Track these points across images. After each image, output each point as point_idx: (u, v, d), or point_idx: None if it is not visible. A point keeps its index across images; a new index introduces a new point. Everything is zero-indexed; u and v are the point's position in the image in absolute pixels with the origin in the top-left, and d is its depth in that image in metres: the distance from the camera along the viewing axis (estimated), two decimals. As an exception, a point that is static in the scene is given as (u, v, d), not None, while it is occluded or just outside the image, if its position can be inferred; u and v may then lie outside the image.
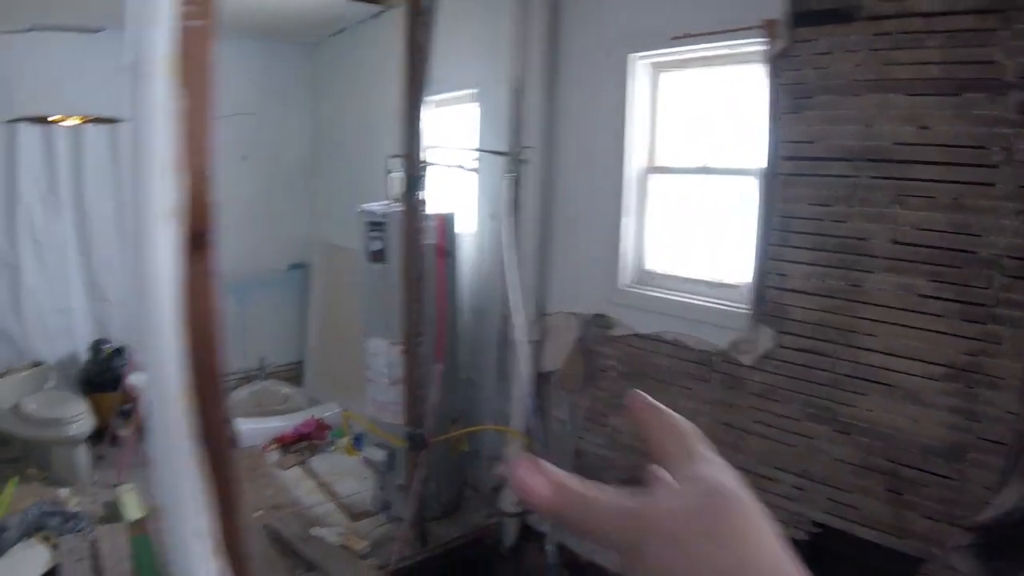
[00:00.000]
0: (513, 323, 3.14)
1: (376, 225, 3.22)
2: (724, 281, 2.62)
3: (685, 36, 2.52)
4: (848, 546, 2.33)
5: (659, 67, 2.79)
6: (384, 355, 3.24)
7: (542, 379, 3.21)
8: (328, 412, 4.60)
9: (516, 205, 3.09)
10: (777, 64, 2.29)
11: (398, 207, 3.08)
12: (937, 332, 2.04)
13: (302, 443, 4.31)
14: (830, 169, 2.21)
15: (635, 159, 2.82)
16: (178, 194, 0.95)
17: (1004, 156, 1.86)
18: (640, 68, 2.77)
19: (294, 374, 5.35)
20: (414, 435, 2.97)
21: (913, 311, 2.10)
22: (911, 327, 2.11)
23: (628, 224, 2.86)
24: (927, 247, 2.03)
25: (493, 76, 3.29)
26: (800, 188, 2.26)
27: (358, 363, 4.61)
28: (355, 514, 3.53)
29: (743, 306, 2.51)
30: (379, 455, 3.33)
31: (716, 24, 2.43)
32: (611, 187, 2.88)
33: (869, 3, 2.13)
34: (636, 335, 2.81)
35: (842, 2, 2.18)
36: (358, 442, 4.39)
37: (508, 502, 3.38)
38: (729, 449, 2.58)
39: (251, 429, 4.44)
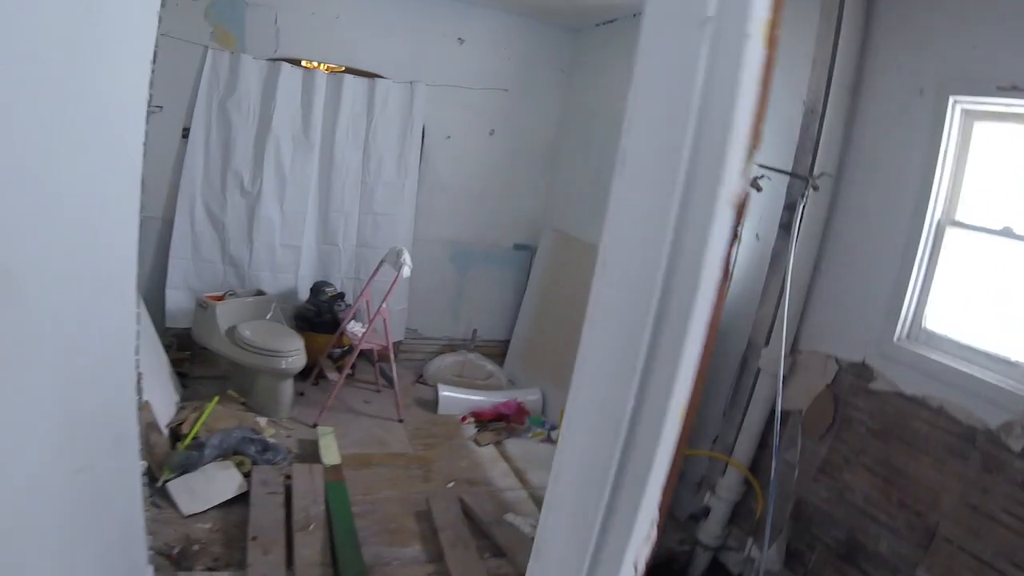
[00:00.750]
0: (764, 352, 3.38)
1: None
2: (1008, 357, 2.73)
3: (1013, 88, 2.63)
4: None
5: (973, 115, 2.89)
6: None
7: (782, 418, 3.26)
8: (530, 396, 5.03)
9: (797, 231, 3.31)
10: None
11: None
12: None
13: (500, 423, 4.73)
14: None
15: (935, 208, 2.95)
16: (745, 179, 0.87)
17: None
18: (956, 114, 2.90)
19: (499, 351, 5.89)
20: None
21: None
22: None
23: (915, 276, 2.97)
24: None
25: (782, 89, 3.49)
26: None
27: (565, 354, 4.94)
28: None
29: (1020, 386, 2.62)
30: None
31: None
32: (902, 232, 3.01)
33: None
34: (898, 394, 2.99)
35: None
36: (553, 432, 4.56)
37: (706, 532, 3.62)
38: (969, 535, 2.71)
39: (451, 397, 4.95)
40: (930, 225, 2.94)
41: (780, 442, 3.31)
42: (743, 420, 3.56)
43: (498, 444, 4.50)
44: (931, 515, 2.81)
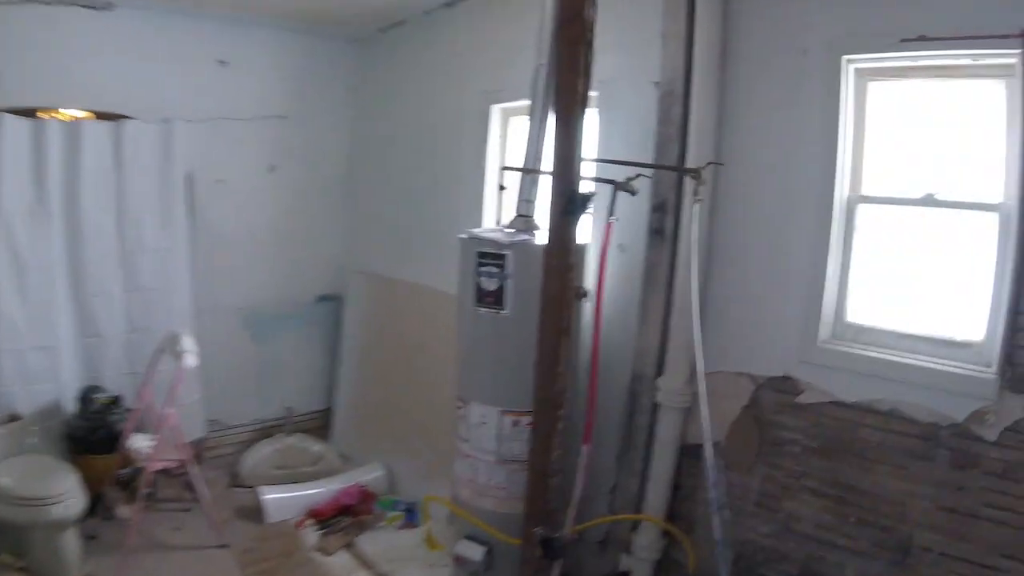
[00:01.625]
0: (661, 383, 2.99)
1: (491, 258, 2.83)
2: (953, 338, 2.49)
3: (921, 39, 2.37)
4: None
5: (866, 74, 2.63)
6: (492, 426, 2.89)
7: (687, 452, 3.02)
8: (371, 475, 4.30)
9: (672, 237, 2.92)
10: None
11: (522, 235, 2.84)
12: None
13: (344, 518, 3.92)
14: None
15: (840, 184, 2.64)
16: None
17: None
18: (850, 75, 2.62)
19: (322, 425, 5.08)
20: (550, 540, 2.49)
21: None
22: None
23: (832, 265, 2.66)
24: None
25: (624, 74, 3.13)
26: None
27: (405, 413, 4.33)
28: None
29: (981, 369, 2.38)
30: (474, 552, 2.90)
31: (960, 29, 2.29)
32: (807, 217, 2.70)
33: None
34: (836, 403, 2.65)
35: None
36: (411, 515, 3.83)
37: None
38: (952, 538, 2.43)
39: (278, 499, 4.06)
40: (840, 204, 2.64)
41: (703, 481, 2.86)
42: (646, 467, 3.08)
43: (350, 547, 3.67)
44: (901, 527, 2.50)
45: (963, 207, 2.46)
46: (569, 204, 2.23)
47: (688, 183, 2.79)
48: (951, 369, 2.41)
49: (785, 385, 2.76)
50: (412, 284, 4.39)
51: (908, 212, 2.60)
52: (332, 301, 5.12)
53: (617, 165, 2.78)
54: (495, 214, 3.79)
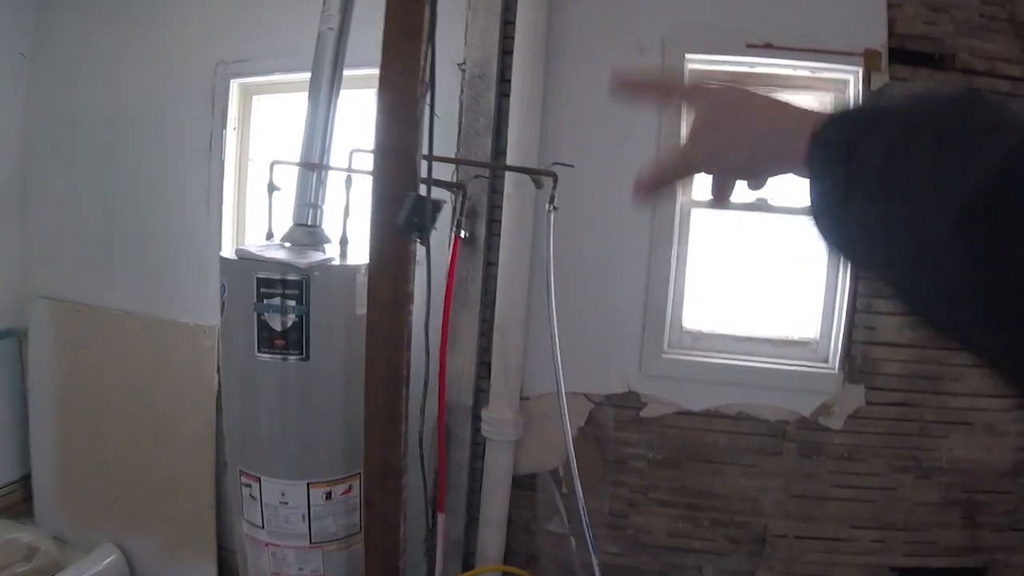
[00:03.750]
0: (485, 415, 2.58)
1: (281, 286, 1.99)
2: (788, 337, 2.59)
3: (767, 47, 2.34)
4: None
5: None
6: (299, 505, 2.16)
7: (520, 484, 2.69)
8: (105, 561, 3.14)
9: (485, 246, 2.50)
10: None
11: (315, 253, 2.08)
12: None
13: None
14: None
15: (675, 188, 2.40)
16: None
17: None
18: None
19: (17, 499, 3.51)
20: None
21: (996, 352, 2.32)
22: (994, 367, 2.33)
23: (666, 273, 2.52)
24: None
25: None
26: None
27: (133, 481, 3.29)
28: None
29: (820, 365, 2.55)
30: None
31: (805, 40, 2.31)
32: (641, 224, 2.50)
33: (963, 56, 2.32)
34: (681, 413, 2.59)
35: (938, 48, 2.19)
36: None
37: None
38: (803, 522, 2.65)
39: None
40: (676, 208, 2.48)
41: (537, 512, 2.66)
42: (469, 507, 2.66)
43: None
44: (756, 522, 2.62)
45: (795, 213, 2.47)
46: (411, 215, 1.69)
47: (517, 185, 2.34)
48: (794, 368, 2.50)
49: (627, 400, 2.60)
50: (124, 313, 3.17)
51: (741, 217, 2.55)
52: (6, 338, 3.47)
53: (452, 164, 2.23)
54: (265, 223, 2.66)
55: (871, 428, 2.49)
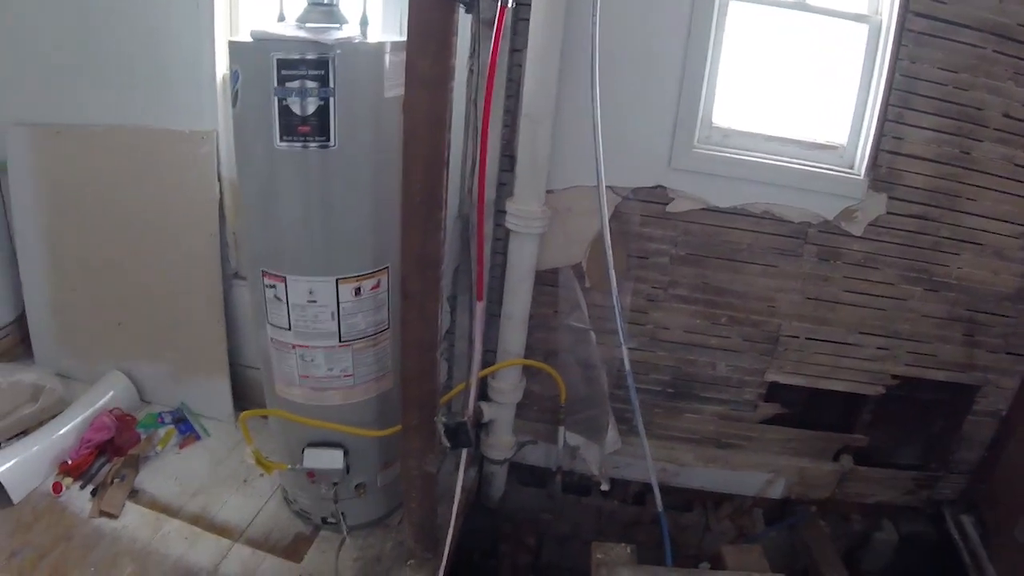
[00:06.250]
0: (509, 206, 2.56)
1: (304, 67, 1.87)
2: (816, 141, 2.66)
3: None
4: (917, 388, 2.85)
5: None
6: (328, 303, 2.15)
7: (541, 280, 2.77)
8: (115, 390, 3.12)
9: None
10: None
11: (336, 32, 1.95)
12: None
13: (107, 461, 2.82)
14: (960, 35, 2.42)
15: None
16: None
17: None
18: None
19: (14, 342, 3.44)
20: (457, 427, 2.16)
21: (1012, 179, 2.54)
22: (1008, 193, 2.56)
23: (701, 67, 2.51)
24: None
25: None
26: (930, 49, 2.44)
27: (131, 309, 3.19)
28: (285, 548, 2.53)
29: (847, 170, 2.63)
30: (332, 459, 2.34)
31: None
32: (677, 14, 2.45)
33: None
34: (707, 209, 2.67)
35: None
36: (184, 427, 3.11)
37: (495, 447, 2.98)
38: (815, 324, 2.81)
39: (16, 468, 2.66)
40: (714, 2, 2.44)
41: (556, 307, 2.80)
42: (496, 307, 2.76)
43: (135, 495, 2.63)
44: (770, 322, 2.77)
45: (833, 15, 2.52)
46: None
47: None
48: (822, 171, 2.59)
49: (653, 195, 2.66)
50: (110, 128, 2.93)
51: (778, 15, 2.55)
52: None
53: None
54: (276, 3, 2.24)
55: (888, 237, 2.61)
